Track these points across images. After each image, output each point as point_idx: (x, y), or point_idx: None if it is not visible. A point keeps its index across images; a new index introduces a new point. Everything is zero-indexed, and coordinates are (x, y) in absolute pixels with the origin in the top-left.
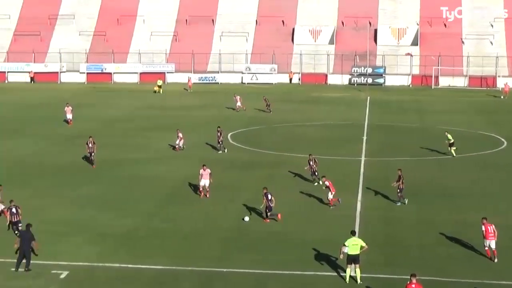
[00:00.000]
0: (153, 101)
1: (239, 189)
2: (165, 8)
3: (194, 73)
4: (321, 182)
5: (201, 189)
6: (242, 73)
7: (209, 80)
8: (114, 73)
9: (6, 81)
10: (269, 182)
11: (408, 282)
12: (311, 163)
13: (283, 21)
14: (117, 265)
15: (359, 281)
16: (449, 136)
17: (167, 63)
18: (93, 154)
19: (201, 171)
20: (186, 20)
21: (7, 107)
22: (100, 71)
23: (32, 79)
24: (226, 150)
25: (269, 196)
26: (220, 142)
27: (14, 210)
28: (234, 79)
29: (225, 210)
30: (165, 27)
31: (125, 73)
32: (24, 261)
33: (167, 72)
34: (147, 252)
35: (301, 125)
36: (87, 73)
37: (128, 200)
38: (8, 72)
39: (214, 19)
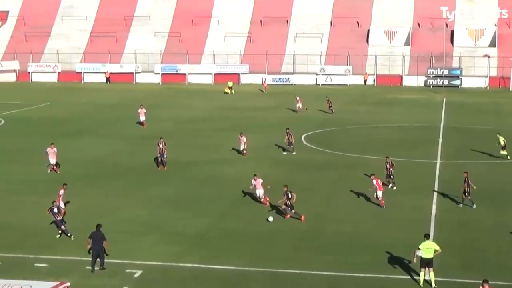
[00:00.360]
0: (227, 102)
1: (311, 190)
2: (239, 9)
3: (268, 74)
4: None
5: (260, 200)
6: (316, 74)
7: (283, 81)
8: (188, 74)
9: (82, 82)
10: (343, 183)
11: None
12: (387, 165)
13: (358, 22)
14: (190, 265)
15: (433, 284)
16: (501, 139)
17: (241, 64)
18: (164, 155)
19: (253, 181)
20: (261, 21)
21: (83, 107)
22: (174, 72)
23: (107, 79)
24: (294, 152)
25: (289, 195)
26: (290, 144)
27: (55, 210)
28: (308, 80)
29: (297, 211)
30: (240, 28)
31: (199, 74)
32: (98, 260)
33: (241, 73)
34: (219, 252)
35: (376, 126)
36: (162, 73)
37: (200, 200)
38: (84, 72)
39: (288, 20)
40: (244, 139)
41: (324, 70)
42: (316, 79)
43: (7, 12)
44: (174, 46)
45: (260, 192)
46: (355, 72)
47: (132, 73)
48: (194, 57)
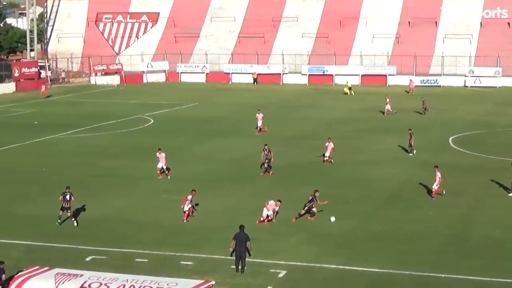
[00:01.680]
0: (371, 103)
1: (458, 194)
2: (388, 11)
3: (415, 75)
4: None
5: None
6: (465, 76)
7: (430, 83)
8: (335, 75)
9: (230, 82)
10: (491, 187)
11: None
12: None
13: (508, 23)
14: (334, 266)
15: None
16: None
17: (388, 65)
18: (268, 161)
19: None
20: (409, 22)
21: (230, 108)
22: (321, 73)
23: (255, 80)
24: (411, 154)
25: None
26: (410, 145)
27: (68, 197)
28: (457, 82)
29: (444, 214)
30: (388, 29)
31: (346, 75)
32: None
33: (389, 75)
34: (364, 254)
35: None
36: (309, 74)
37: (346, 201)
38: (232, 73)
39: (437, 21)
40: (330, 145)
41: (473, 72)
42: (465, 81)
43: (158, 13)
44: (321, 47)
45: (267, 212)
46: (505, 74)
47: (280, 74)
48: (341, 58)
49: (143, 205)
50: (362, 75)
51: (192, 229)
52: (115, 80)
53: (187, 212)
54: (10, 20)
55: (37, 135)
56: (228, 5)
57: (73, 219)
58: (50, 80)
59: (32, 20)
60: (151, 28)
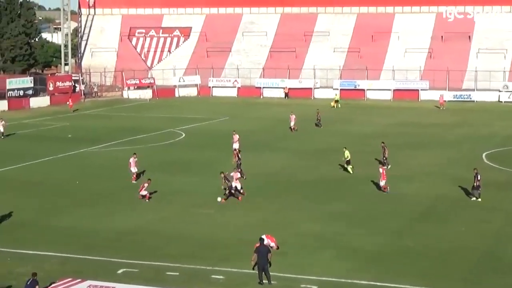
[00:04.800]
0: (405, 118)
1: (491, 210)
2: (420, 25)
3: (448, 90)
4: None
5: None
6: (499, 91)
7: (463, 98)
8: (367, 89)
9: (261, 97)
10: None
11: None
12: None
13: None
14: (365, 282)
15: None
16: None
17: (421, 80)
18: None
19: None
20: (442, 36)
21: (261, 122)
22: (353, 88)
23: (286, 94)
24: (389, 166)
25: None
26: (384, 158)
27: None
28: (491, 97)
29: (478, 230)
30: (420, 44)
31: (378, 89)
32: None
33: (421, 89)
34: (396, 270)
35: None
36: (340, 89)
37: (378, 217)
38: (263, 87)
39: (470, 35)
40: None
41: (507, 87)
42: (499, 96)
43: (190, 28)
44: (353, 62)
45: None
46: None
47: (311, 88)
48: (373, 72)
49: (174, 218)
50: (394, 90)
51: (224, 243)
52: (147, 94)
53: (144, 194)
54: (45, 35)
55: (71, 148)
56: (260, 19)
57: None
58: (84, 94)
59: (66, 34)
60: (183, 42)
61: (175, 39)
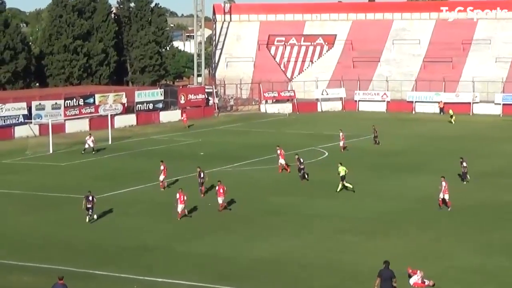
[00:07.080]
0: None
1: None
2: None
3: None
4: None
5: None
6: None
7: None
8: None
9: (413, 112)
10: None
11: None
12: None
13: None
14: None
15: None
16: None
17: None
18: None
19: None
20: None
21: (413, 140)
22: None
23: (441, 110)
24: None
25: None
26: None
27: (90, 198)
28: None
29: None
30: None
31: None
32: None
33: None
34: None
35: None
36: (503, 104)
37: None
38: (416, 102)
39: None
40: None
41: None
42: None
43: (335, 36)
44: None
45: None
46: None
47: (469, 103)
48: None
49: (316, 246)
50: None
51: (372, 274)
52: (286, 108)
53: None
54: (177, 43)
55: (203, 167)
56: (413, 26)
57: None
58: (218, 108)
59: (200, 43)
60: (326, 51)
61: (318, 48)
